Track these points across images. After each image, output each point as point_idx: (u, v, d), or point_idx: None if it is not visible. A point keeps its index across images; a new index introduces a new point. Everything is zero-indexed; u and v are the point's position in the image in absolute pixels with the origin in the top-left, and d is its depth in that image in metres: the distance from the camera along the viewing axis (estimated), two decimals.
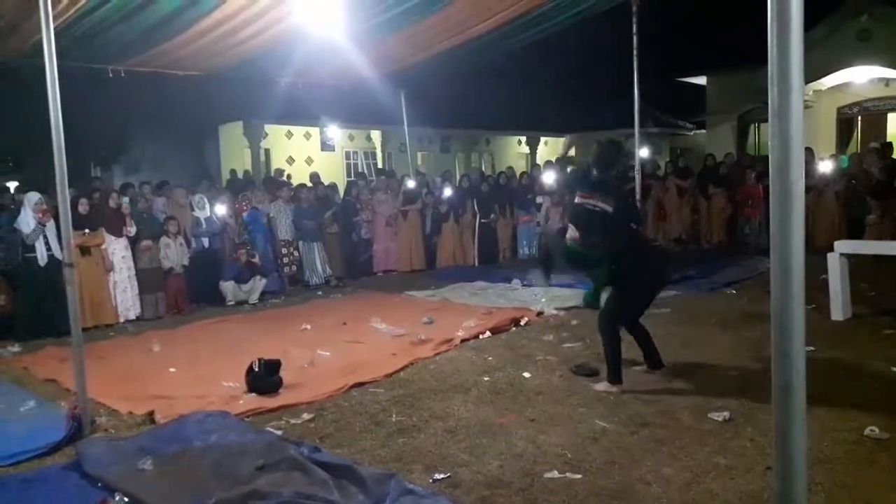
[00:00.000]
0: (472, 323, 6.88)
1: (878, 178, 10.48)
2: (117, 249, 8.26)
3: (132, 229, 8.39)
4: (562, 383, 5.02)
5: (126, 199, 9.11)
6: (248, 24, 6.94)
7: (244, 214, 9.87)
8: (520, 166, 20.32)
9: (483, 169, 20.43)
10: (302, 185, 11.20)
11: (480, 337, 6.50)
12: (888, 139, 14.36)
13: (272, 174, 15.33)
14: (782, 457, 1.86)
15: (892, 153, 11.33)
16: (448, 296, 8.85)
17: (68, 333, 4.56)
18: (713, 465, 3.50)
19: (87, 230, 7.88)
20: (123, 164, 14.93)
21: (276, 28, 7.16)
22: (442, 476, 3.52)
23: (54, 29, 4.40)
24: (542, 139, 24.58)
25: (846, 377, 4.79)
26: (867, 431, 3.79)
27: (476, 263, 11.89)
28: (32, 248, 7.53)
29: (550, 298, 8.30)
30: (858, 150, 14.54)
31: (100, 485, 3.56)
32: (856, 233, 10.34)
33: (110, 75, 7.91)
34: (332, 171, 17.79)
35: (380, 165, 19.72)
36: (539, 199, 12.43)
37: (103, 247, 8.10)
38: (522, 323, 7.17)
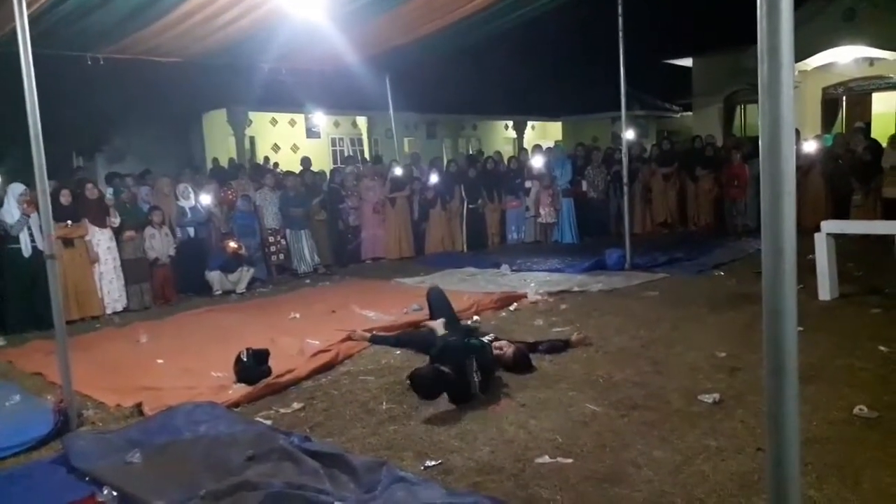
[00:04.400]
0: (462, 308, 6.84)
1: (862, 157, 10.53)
2: (102, 240, 8.16)
3: (116, 220, 8.28)
4: (552, 367, 5.01)
5: (110, 190, 9.01)
6: (228, 7, 6.84)
7: (238, 203, 9.79)
8: (507, 151, 20.26)
9: (471, 152, 20.37)
10: (290, 173, 11.09)
11: (469, 322, 6.48)
12: (872, 119, 14.47)
13: (261, 162, 15.23)
14: (775, 439, 1.84)
15: (869, 133, 11.41)
16: (437, 282, 8.80)
17: (54, 326, 4.50)
18: (703, 447, 3.50)
19: (69, 222, 7.77)
20: (107, 154, 14.74)
21: (257, 11, 7.06)
22: (433, 463, 3.51)
23: (28, 16, 4.30)
24: (529, 123, 24.54)
25: (835, 357, 4.81)
26: (856, 410, 3.81)
27: (465, 249, 11.87)
28: (16, 240, 7.42)
29: (540, 283, 8.29)
30: (843, 130, 14.60)
31: (87, 479, 3.52)
32: (842, 212, 10.40)
33: (89, 63, 7.78)
34: (319, 158, 17.68)
35: (366, 152, 19.62)
36: (528, 184, 12.41)
37: (87, 238, 8.01)
38: (512, 308, 7.17)
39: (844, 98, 16.58)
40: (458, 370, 4.37)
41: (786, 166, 1.76)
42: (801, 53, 14.41)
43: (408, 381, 4.53)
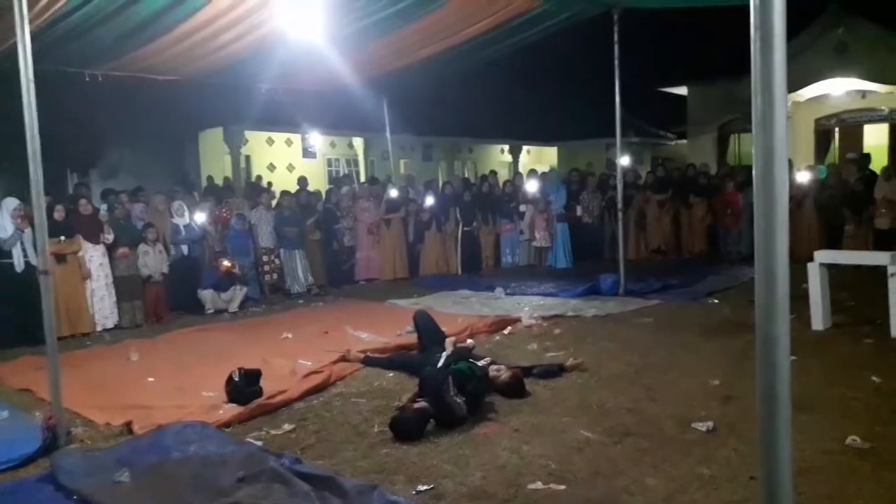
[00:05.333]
0: (456, 331, 6.82)
1: (854, 188, 10.62)
2: (94, 257, 8.13)
3: (109, 236, 8.27)
4: (546, 393, 4.99)
5: (104, 206, 9.00)
6: (228, 28, 6.90)
7: (232, 221, 9.79)
8: (502, 175, 20.37)
9: (466, 176, 20.45)
10: (286, 192, 11.12)
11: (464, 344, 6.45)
12: (865, 150, 14.61)
13: (252, 180, 15.24)
14: (767, 467, 1.84)
15: (869, 164, 11.50)
16: (431, 304, 8.80)
17: (44, 342, 4.47)
18: (696, 476, 3.49)
19: (62, 237, 7.74)
20: (101, 170, 14.72)
21: (256, 33, 7.13)
22: (425, 487, 3.48)
23: (30, 32, 4.32)
24: (525, 148, 24.65)
25: (828, 387, 4.82)
26: (849, 441, 3.80)
27: (459, 272, 11.87)
28: (8, 255, 7.39)
29: (534, 307, 8.29)
30: (836, 161, 14.73)
31: (75, 498, 3.49)
32: (834, 242, 10.45)
33: (87, 80, 7.82)
34: (314, 179, 17.69)
35: (362, 173, 19.67)
36: (522, 208, 12.47)
37: (80, 254, 7.98)
38: (506, 331, 7.16)
39: (837, 129, 16.75)
40: (436, 398, 4.34)
41: (779, 197, 1.78)
42: (794, 85, 14.59)
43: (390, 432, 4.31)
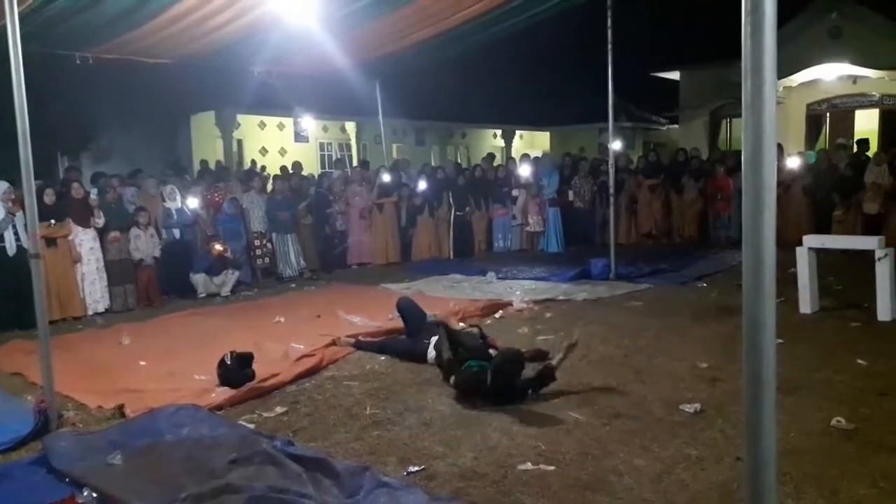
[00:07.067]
0: (448, 313, 6.84)
1: (844, 173, 10.67)
2: (85, 240, 8.10)
3: (100, 220, 8.23)
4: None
5: (95, 190, 8.96)
6: (221, 10, 6.84)
7: (224, 205, 9.76)
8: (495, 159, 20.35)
9: (459, 161, 20.41)
10: (278, 177, 11.08)
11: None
12: (856, 136, 14.68)
13: (247, 165, 15.18)
14: (752, 448, 1.87)
15: (867, 149, 11.54)
16: (423, 288, 8.84)
17: (35, 326, 4.46)
18: (684, 456, 3.54)
19: (52, 221, 7.70)
20: (92, 154, 14.63)
21: (249, 15, 7.06)
22: (416, 468, 3.52)
23: (19, 13, 4.28)
24: (518, 132, 24.62)
25: (814, 369, 4.87)
26: (834, 422, 3.86)
27: (451, 256, 11.90)
28: (0, 238, 7.36)
29: (525, 291, 8.33)
30: (826, 147, 14.80)
31: (67, 480, 3.50)
32: (823, 227, 10.52)
33: (78, 62, 7.74)
34: (306, 163, 17.61)
35: (354, 157, 19.62)
36: (515, 192, 12.47)
37: (70, 237, 7.95)
38: (497, 315, 7.19)
39: (828, 115, 16.80)
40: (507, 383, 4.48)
41: (767, 181, 1.80)
42: (787, 69, 14.63)
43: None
